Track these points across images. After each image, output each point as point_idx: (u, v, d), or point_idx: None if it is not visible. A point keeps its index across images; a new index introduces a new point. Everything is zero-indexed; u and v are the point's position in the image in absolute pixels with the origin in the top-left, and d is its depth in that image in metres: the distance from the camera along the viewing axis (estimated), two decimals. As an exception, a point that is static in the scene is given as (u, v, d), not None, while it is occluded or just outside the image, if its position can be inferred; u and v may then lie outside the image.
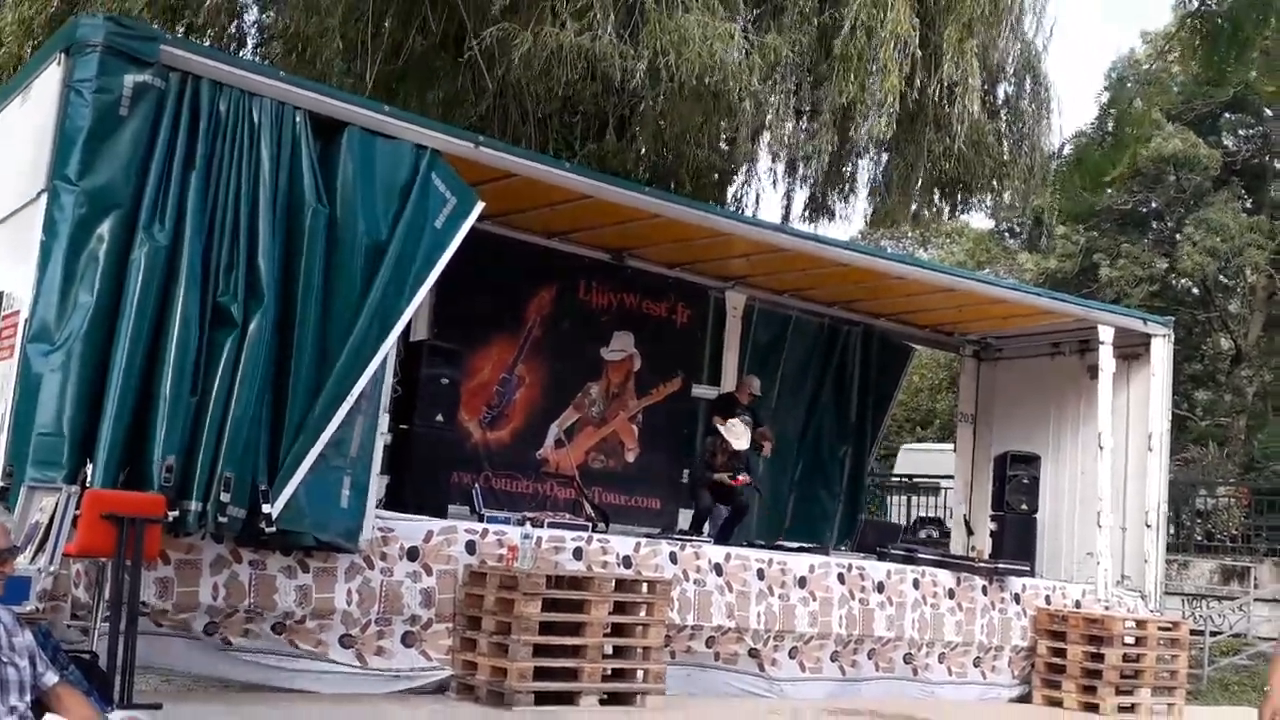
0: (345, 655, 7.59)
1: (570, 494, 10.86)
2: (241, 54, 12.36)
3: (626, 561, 8.81)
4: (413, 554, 7.89)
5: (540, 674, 7.68)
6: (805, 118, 13.46)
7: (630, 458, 12.09)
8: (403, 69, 11.55)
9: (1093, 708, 10.30)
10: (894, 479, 21.67)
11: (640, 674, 8.27)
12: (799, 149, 13.39)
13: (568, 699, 7.79)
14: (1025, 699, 10.81)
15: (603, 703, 7.96)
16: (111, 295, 6.48)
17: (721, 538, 10.56)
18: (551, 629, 7.79)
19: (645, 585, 8.43)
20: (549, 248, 11.31)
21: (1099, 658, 10.35)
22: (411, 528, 7.97)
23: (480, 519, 8.65)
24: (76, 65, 6.61)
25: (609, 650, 8.15)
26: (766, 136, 13.09)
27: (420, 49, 11.50)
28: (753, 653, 9.35)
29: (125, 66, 6.65)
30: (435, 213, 7.75)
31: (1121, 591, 11.50)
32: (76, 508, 5.85)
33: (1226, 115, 25.12)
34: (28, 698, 3.87)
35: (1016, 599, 10.82)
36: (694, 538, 10.02)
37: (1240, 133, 26.13)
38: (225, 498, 6.65)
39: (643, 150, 12.47)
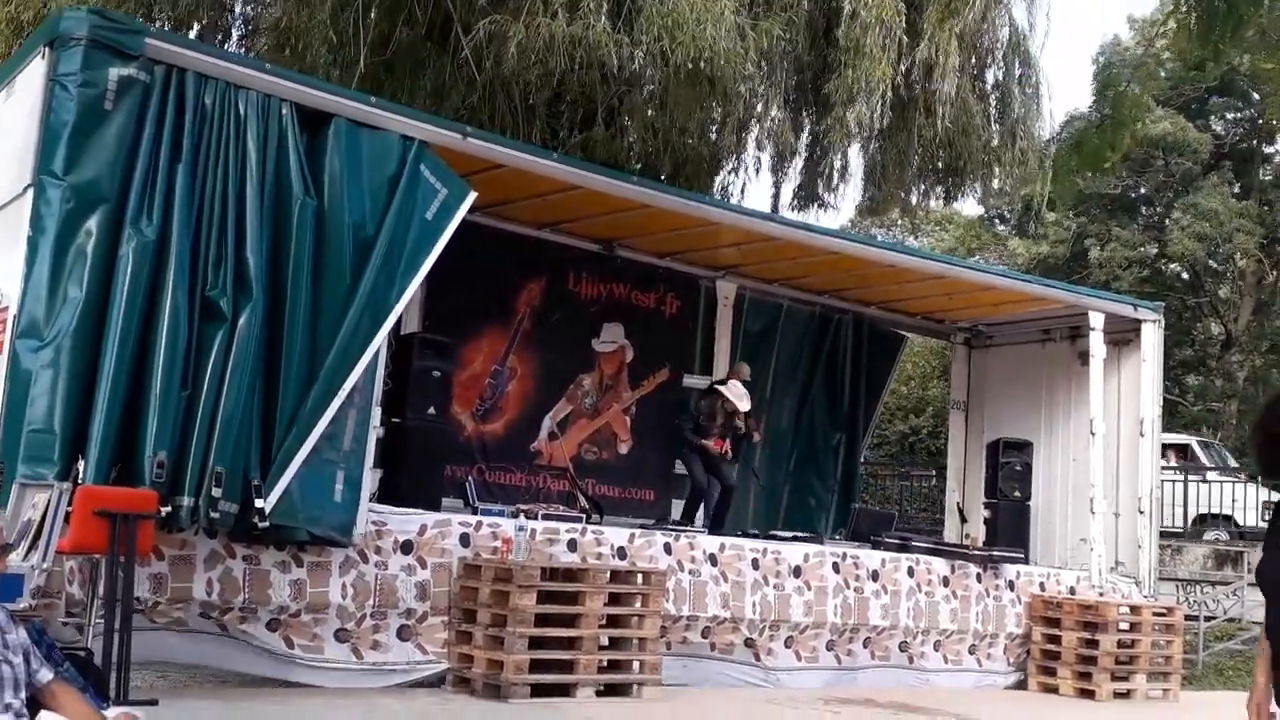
0: (341, 650, 7.57)
1: (564, 486, 10.84)
2: (226, 47, 12.29)
3: (621, 553, 8.80)
4: (407, 547, 7.87)
5: (536, 666, 7.67)
6: (796, 106, 13.44)
7: (623, 449, 12.06)
8: (390, 60, 11.49)
9: (1088, 694, 10.32)
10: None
11: (636, 665, 8.26)
12: (790, 137, 13.34)
13: (564, 691, 7.78)
14: (1021, 686, 10.82)
15: (599, 694, 7.95)
16: (100, 290, 6.45)
17: (715, 524, 10.56)
18: (547, 621, 7.78)
19: (640, 576, 8.42)
20: (538, 238, 11.27)
21: (1094, 644, 10.37)
22: (405, 521, 7.94)
23: (474, 512, 8.64)
24: (60, 59, 6.58)
25: (605, 642, 8.14)
26: (758, 125, 13.07)
27: (407, 40, 11.44)
28: (748, 643, 9.35)
29: (109, 60, 6.62)
30: (426, 204, 7.73)
31: (1115, 578, 11.51)
32: (69, 504, 5.82)
33: (1215, 99, 25.16)
34: (23, 695, 3.84)
35: (1011, 586, 10.83)
36: (688, 528, 10.00)
37: (1229, 116, 26.17)
38: (217, 493, 6.63)
39: (632, 140, 12.43)
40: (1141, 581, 11.58)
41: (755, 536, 10.32)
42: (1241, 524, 17.07)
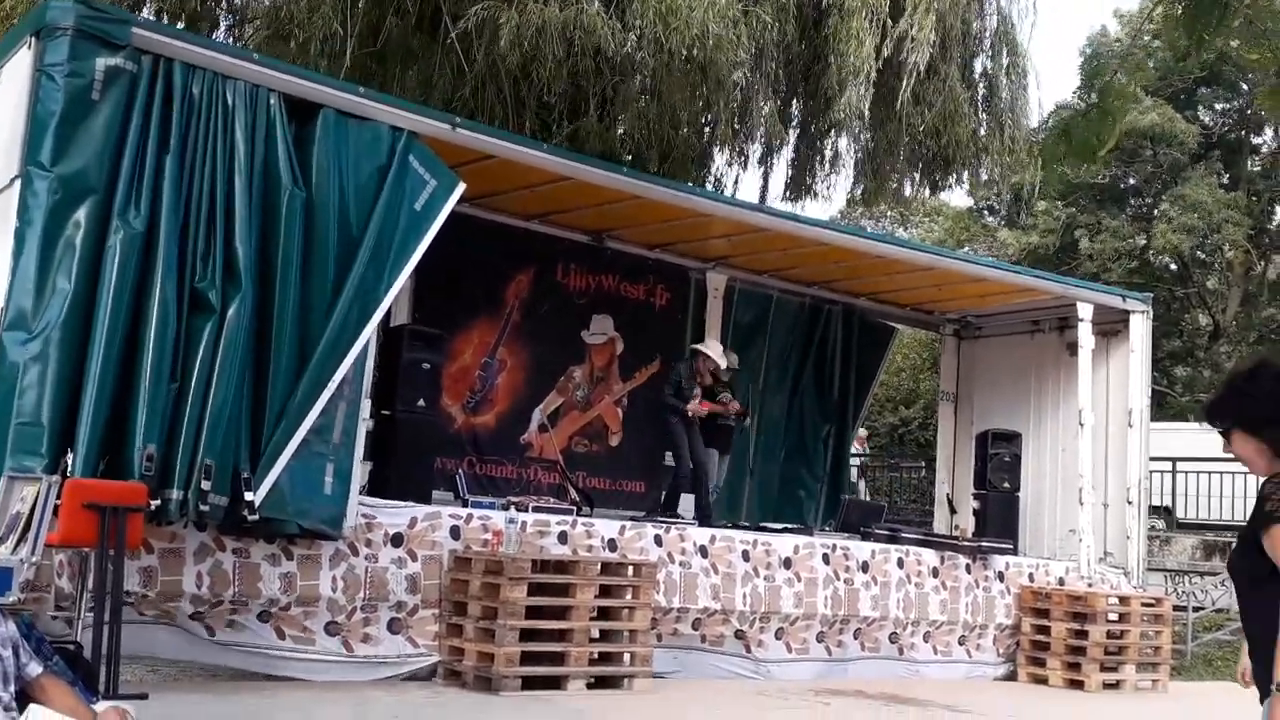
0: (331, 643, 7.55)
1: (555, 478, 10.82)
2: (214, 37, 12.21)
3: (611, 545, 8.79)
4: (397, 540, 7.85)
5: (527, 659, 7.67)
6: (787, 95, 13.43)
7: (614, 442, 12.05)
8: (379, 51, 11.44)
9: (1078, 684, 10.36)
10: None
11: (627, 657, 8.26)
12: (781, 127, 13.33)
13: (555, 683, 7.78)
14: (1010, 677, 10.86)
15: (590, 686, 7.95)
16: (89, 282, 6.41)
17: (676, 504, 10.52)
18: (538, 613, 7.77)
19: (631, 568, 8.42)
20: (528, 230, 11.24)
21: (1083, 635, 10.40)
22: (395, 514, 7.92)
23: (464, 504, 8.62)
24: (47, 49, 6.53)
25: (595, 634, 8.14)
26: (749, 114, 13.05)
27: (397, 31, 11.39)
28: (739, 634, 9.35)
29: (96, 50, 6.57)
30: (414, 195, 7.70)
31: (1104, 568, 11.55)
32: (58, 497, 5.79)
33: (1203, 90, 25.20)
34: (12, 688, 3.82)
35: (1000, 577, 10.85)
36: (680, 519, 9.99)
37: (1217, 107, 26.22)
38: (206, 486, 6.60)
39: (623, 131, 12.40)
40: (1130, 572, 11.62)
41: (745, 528, 10.33)
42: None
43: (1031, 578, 11.05)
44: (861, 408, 14.64)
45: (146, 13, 11.32)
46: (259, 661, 7.35)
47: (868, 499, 17.38)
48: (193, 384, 6.62)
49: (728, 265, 12.52)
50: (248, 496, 6.76)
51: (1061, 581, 11.14)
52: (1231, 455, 3.58)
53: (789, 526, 10.71)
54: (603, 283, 11.95)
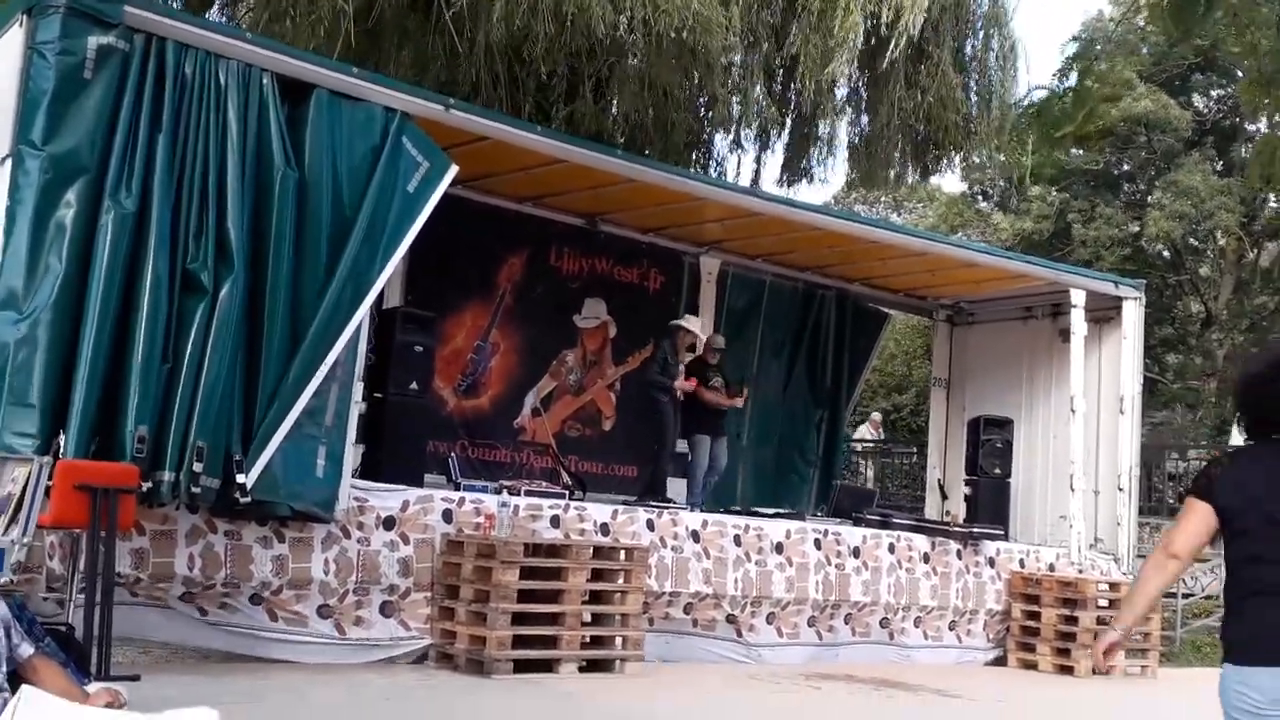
0: (324, 625, 7.55)
1: (547, 462, 10.81)
2: (207, 15, 12.14)
3: (604, 529, 8.79)
4: (389, 523, 7.84)
5: (519, 642, 7.67)
6: (781, 79, 13.41)
7: (607, 426, 12.04)
8: (373, 30, 11.37)
9: (1067, 670, 10.40)
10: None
11: (619, 641, 8.27)
12: (774, 110, 13.31)
13: (547, 667, 7.79)
14: (1000, 662, 10.89)
15: (582, 670, 7.96)
16: (80, 262, 6.38)
17: (657, 488, 10.50)
18: (530, 597, 7.77)
19: (623, 552, 8.42)
20: (520, 213, 11.21)
21: (1073, 620, 10.44)
22: (388, 497, 7.92)
23: (457, 488, 8.61)
24: (39, 27, 6.49)
25: (587, 618, 8.15)
26: (742, 97, 13.02)
27: (391, 12, 11.33)
28: (730, 619, 9.37)
29: (88, 28, 6.53)
30: (407, 177, 7.67)
31: (1094, 555, 11.58)
32: (49, 479, 5.76)
33: (1197, 76, 25.17)
34: (4, 669, 3.82)
35: (991, 563, 10.88)
36: (672, 503, 9.99)
37: (1212, 94, 26.19)
38: (198, 468, 6.59)
39: (618, 114, 12.37)
40: (1120, 559, 11.65)
41: (737, 512, 10.33)
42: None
43: (1022, 564, 11.09)
44: (854, 393, 14.65)
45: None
46: (251, 643, 7.34)
47: (872, 484, 17.44)
48: (185, 365, 6.60)
49: (721, 250, 12.51)
50: (239, 479, 6.75)
51: (1052, 568, 11.17)
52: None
53: (781, 511, 10.72)
54: (596, 266, 11.93)
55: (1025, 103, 16.02)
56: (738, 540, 9.40)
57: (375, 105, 7.62)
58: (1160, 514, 16.72)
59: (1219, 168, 24.73)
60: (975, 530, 11.00)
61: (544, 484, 9.38)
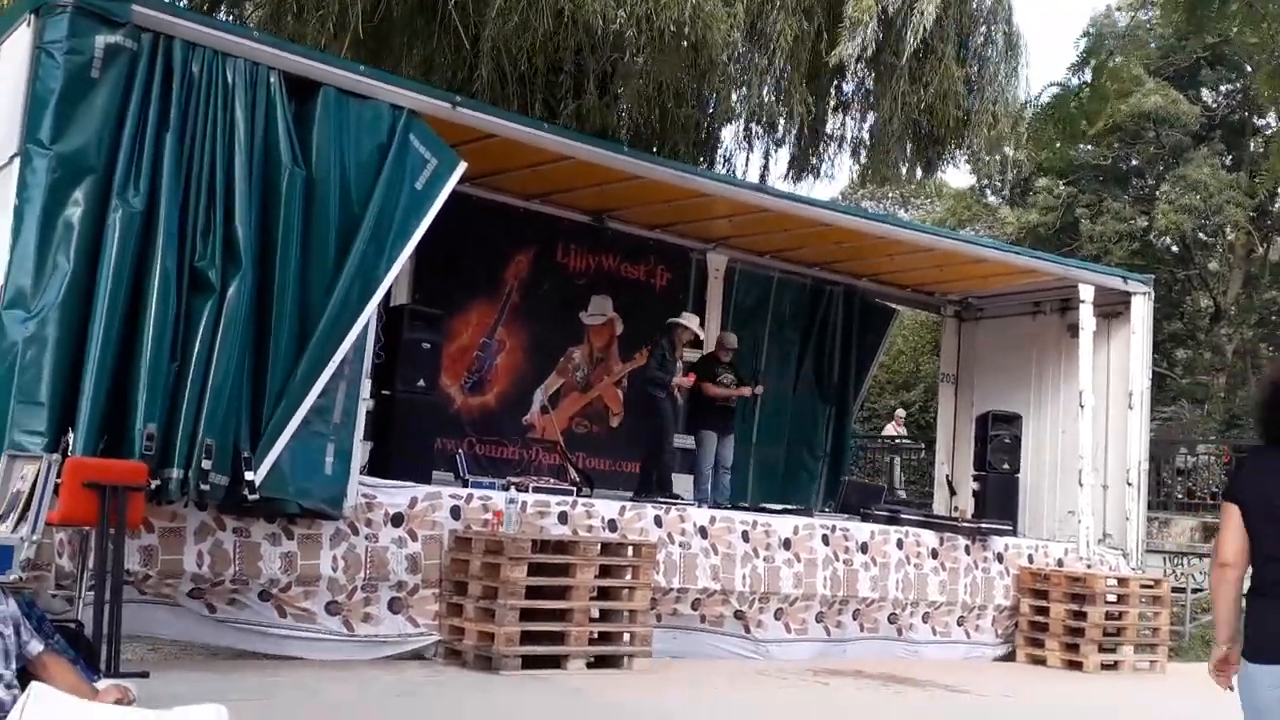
0: (332, 622, 7.57)
1: (555, 459, 10.83)
2: (215, 14, 12.16)
3: (611, 525, 8.80)
4: (398, 520, 7.86)
5: (527, 638, 7.68)
6: (789, 74, 13.40)
7: (615, 423, 12.05)
8: (380, 27, 11.39)
9: (1076, 665, 10.38)
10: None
11: (627, 637, 8.27)
12: (781, 105, 13.30)
13: (555, 663, 7.80)
14: (1009, 658, 10.88)
15: (590, 666, 7.97)
16: (88, 261, 6.40)
17: (645, 486, 10.53)
18: (538, 593, 7.78)
19: (630, 549, 8.42)
20: (528, 210, 11.22)
21: (1081, 616, 10.42)
22: (396, 493, 7.93)
23: (465, 484, 8.63)
24: (46, 26, 6.50)
25: (595, 614, 8.15)
26: (748, 92, 13.03)
27: (400, 12, 11.34)
28: (738, 615, 9.37)
29: (96, 27, 6.54)
30: (415, 174, 7.68)
31: (1103, 550, 11.56)
32: (58, 476, 5.78)
33: (1206, 70, 25.08)
34: (14, 666, 3.83)
35: (999, 558, 10.87)
36: (679, 500, 9.99)
37: (1221, 88, 26.10)
38: (207, 465, 6.60)
39: (624, 109, 12.37)
40: (1129, 554, 11.63)
41: (745, 509, 10.33)
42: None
43: (1030, 559, 11.07)
44: (862, 389, 14.66)
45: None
46: (259, 640, 7.36)
47: (899, 483, 17.43)
48: (193, 363, 6.62)
49: (728, 246, 12.50)
50: (248, 476, 6.76)
51: (1060, 563, 11.16)
52: None
53: (789, 508, 10.71)
54: (603, 263, 11.93)
55: (1041, 100, 16.03)
56: (746, 536, 9.40)
57: (382, 103, 7.62)
58: (1169, 509, 16.70)
59: (1228, 162, 24.65)
60: (984, 526, 11.00)
61: (551, 481, 9.39)
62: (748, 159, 14.93)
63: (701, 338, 11.27)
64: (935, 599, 10.40)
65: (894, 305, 14.62)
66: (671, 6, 10.28)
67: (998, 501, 11.81)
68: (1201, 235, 25.24)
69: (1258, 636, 3.59)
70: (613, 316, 12.04)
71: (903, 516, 10.93)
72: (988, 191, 29.30)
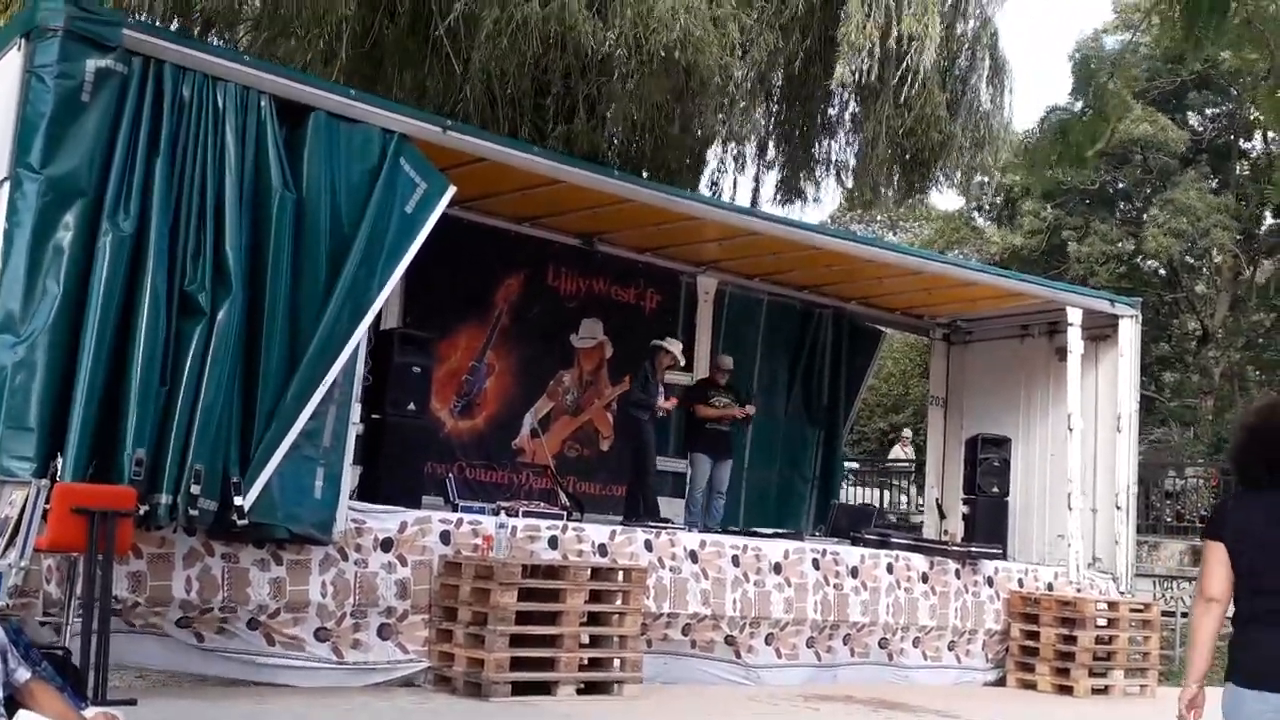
0: (321, 649, 7.52)
1: (545, 483, 10.79)
2: (206, 38, 12.16)
3: (602, 550, 8.77)
4: (387, 545, 7.82)
5: (517, 664, 7.64)
6: (778, 98, 13.48)
7: (605, 446, 12.02)
8: (371, 53, 11.42)
9: (1067, 690, 10.36)
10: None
11: (617, 663, 8.24)
12: (770, 129, 13.37)
13: (545, 689, 7.76)
14: (1000, 682, 10.85)
15: (580, 692, 7.93)
16: (78, 285, 6.38)
17: (633, 507, 10.50)
18: (528, 619, 7.74)
19: (621, 573, 8.39)
20: (518, 233, 11.23)
21: (1072, 640, 10.41)
22: (385, 518, 7.89)
23: (454, 509, 8.60)
24: (37, 50, 6.50)
25: (585, 639, 8.12)
26: (737, 114, 13.07)
27: (391, 35, 11.37)
28: (729, 640, 9.33)
29: (87, 51, 6.55)
30: (405, 198, 7.68)
31: (1093, 574, 11.56)
32: (46, 502, 5.75)
33: (1193, 94, 25.25)
34: (0, 694, 3.79)
35: (989, 582, 10.86)
36: (669, 524, 9.97)
37: (1207, 111, 26.26)
38: (196, 490, 6.57)
39: (613, 133, 12.41)
40: (1119, 577, 11.63)
41: (735, 533, 10.31)
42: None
43: (1020, 583, 11.06)
44: (851, 412, 14.66)
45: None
46: (248, 670, 7.30)
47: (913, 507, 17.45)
48: (182, 387, 6.60)
49: (718, 269, 12.53)
50: (237, 501, 6.73)
51: (1050, 587, 11.15)
52: None
53: (779, 531, 10.70)
54: (593, 286, 11.94)
55: (1045, 124, 16.07)
56: (736, 561, 9.38)
57: (373, 127, 7.63)
58: (1158, 532, 16.71)
59: (1214, 185, 24.78)
60: (974, 549, 10.98)
61: (542, 505, 9.36)
62: (735, 182, 15.03)
63: (682, 362, 11.28)
64: (926, 623, 10.39)
65: (883, 328, 14.65)
66: (662, 31, 10.32)
67: (988, 525, 11.80)
68: (1189, 259, 25.35)
69: (1256, 663, 3.67)
70: (603, 340, 12.04)
71: (893, 540, 10.92)
72: (976, 214, 29.42)
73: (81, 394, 6.27)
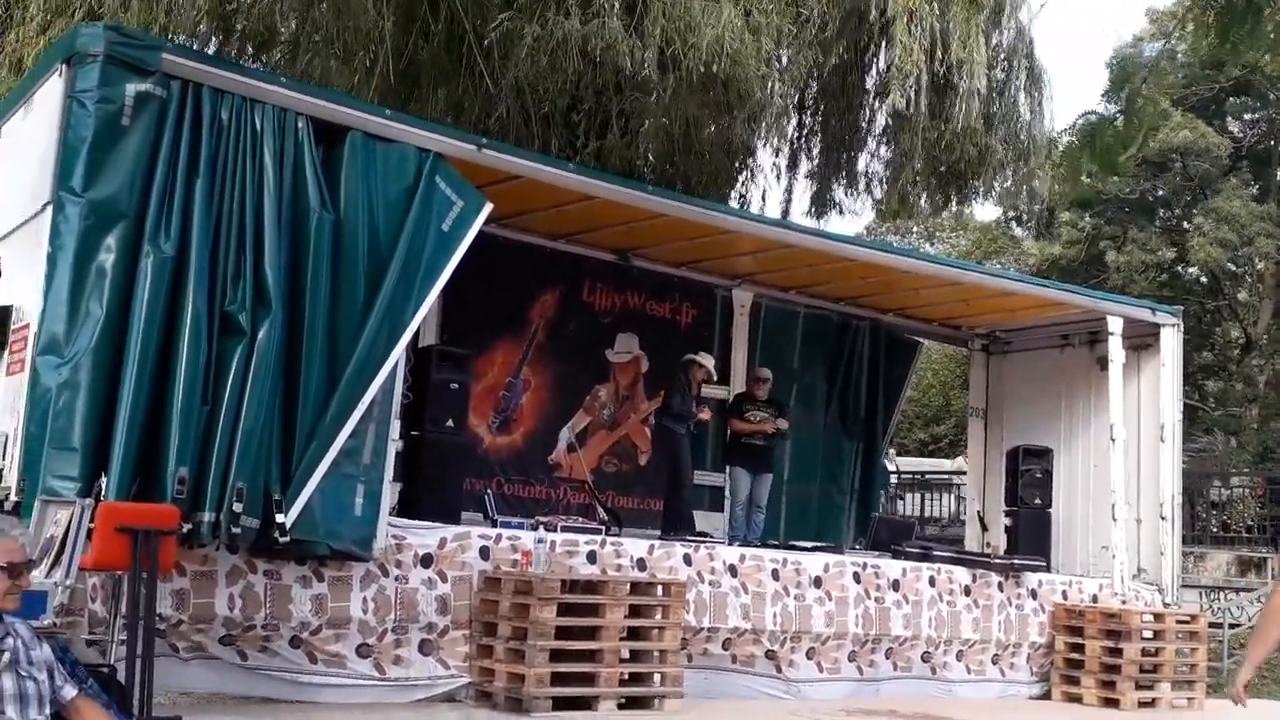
0: (363, 665, 7.55)
1: (583, 498, 10.81)
2: (242, 61, 12.30)
3: (640, 564, 8.76)
4: (427, 561, 7.85)
5: (557, 679, 7.64)
6: (816, 108, 13.47)
7: (643, 461, 12.02)
8: (408, 72, 11.50)
9: (1113, 703, 10.24)
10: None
11: (657, 677, 8.21)
12: (807, 141, 13.37)
13: (585, 704, 7.74)
14: (1045, 696, 10.74)
15: (620, 707, 7.90)
16: (120, 306, 6.45)
17: (670, 521, 10.48)
18: (567, 634, 7.74)
19: (660, 588, 8.37)
20: (554, 249, 11.27)
21: (1117, 652, 10.29)
22: (425, 534, 7.92)
23: (493, 524, 8.62)
24: (78, 75, 6.58)
25: (625, 654, 8.09)
26: (773, 128, 13.07)
27: (426, 55, 11.46)
28: (770, 654, 9.29)
29: (127, 76, 6.62)
30: (442, 216, 7.72)
31: (1138, 585, 11.44)
32: (91, 521, 5.81)
33: (1232, 99, 25.00)
34: (47, 711, 3.85)
35: (1033, 595, 10.75)
36: (708, 538, 9.95)
37: (1246, 117, 26.01)
38: (238, 508, 6.61)
39: (647, 147, 12.43)
40: (1164, 589, 11.50)
41: (775, 546, 10.28)
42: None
43: (1065, 595, 10.95)
44: (890, 424, 14.57)
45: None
46: (291, 689, 7.32)
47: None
48: (224, 407, 6.64)
49: (754, 282, 12.52)
50: (279, 518, 6.77)
51: (1095, 599, 11.03)
52: None
53: (819, 545, 10.65)
54: (628, 301, 11.96)
55: (1075, 127, 15.98)
56: (775, 575, 9.34)
57: (409, 146, 7.68)
58: (1204, 543, 16.51)
59: (1254, 191, 24.52)
60: (1016, 562, 10.88)
61: (580, 520, 9.36)
62: (764, 195, 15.01)
63: (715, 377, 11.30)
64: (969, 637, 10.30)
65: (921, 339, 14.58)
66: (701, 45, 10.32)
67: (1030, 537, 11.70)
68: (1231, 266, 25.08)
69: None
70: (638, 354, 12.05)
71: (934, 553, 10.85)
72: (1014, 224, 29.24)
73: (125, 414, 6.33)
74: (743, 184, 14.79)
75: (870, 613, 9.76)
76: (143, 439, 6.40)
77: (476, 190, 7.95)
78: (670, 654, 8.25)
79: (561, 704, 7.59)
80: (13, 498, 6.34)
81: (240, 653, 7.16)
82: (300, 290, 7.06)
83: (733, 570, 9.15)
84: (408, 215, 7.55)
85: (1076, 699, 10.49)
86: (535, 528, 8.57)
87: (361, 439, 7.26)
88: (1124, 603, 10.92)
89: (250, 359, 6.76)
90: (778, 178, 14.97)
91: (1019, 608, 10.64)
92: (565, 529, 8.71)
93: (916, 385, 19.20)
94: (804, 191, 15.00)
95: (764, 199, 15.09)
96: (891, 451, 21.88)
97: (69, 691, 3.96)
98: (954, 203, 15.54)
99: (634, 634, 8.15)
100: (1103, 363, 11.85)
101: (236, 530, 6.63)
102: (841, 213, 15.12)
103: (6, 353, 6.93)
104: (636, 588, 8.22)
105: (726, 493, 11.78)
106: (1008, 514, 12.12)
